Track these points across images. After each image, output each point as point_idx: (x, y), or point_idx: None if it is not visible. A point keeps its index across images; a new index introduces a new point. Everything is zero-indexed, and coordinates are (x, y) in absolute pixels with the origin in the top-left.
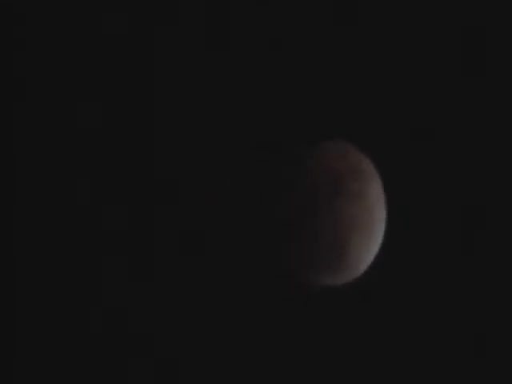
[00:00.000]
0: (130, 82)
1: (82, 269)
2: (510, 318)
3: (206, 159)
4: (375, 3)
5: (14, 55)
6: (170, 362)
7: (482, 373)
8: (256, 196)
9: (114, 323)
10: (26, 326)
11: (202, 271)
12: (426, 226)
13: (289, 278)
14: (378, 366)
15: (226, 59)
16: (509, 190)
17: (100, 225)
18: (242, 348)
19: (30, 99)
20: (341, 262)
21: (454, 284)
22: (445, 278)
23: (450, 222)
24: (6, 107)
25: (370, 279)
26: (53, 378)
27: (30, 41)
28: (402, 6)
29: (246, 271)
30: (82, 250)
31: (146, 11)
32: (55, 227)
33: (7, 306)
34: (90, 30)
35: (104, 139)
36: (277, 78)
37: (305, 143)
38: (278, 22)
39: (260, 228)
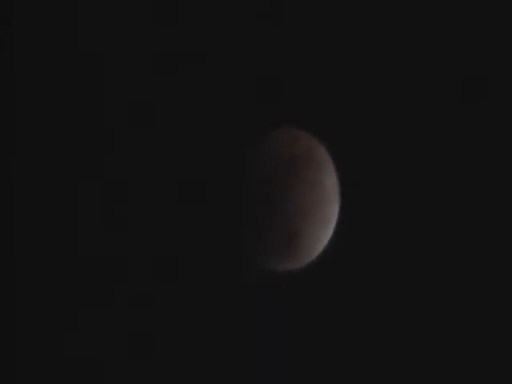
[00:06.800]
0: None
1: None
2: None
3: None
4: None
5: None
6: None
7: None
8: (210, 185)
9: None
10: (25, 325)
11: (164, 262)
12: (378, 214)
13: (244, 264)
14: (334, 347)
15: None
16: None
17: (98, 224)
18: (201, 335)
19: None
20: (294, 249)
21: (405, 272)
22: (396, 268)
23: (404, 211)
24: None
25: (322, 265)
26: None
27: (30, 40)
28: None
29: (202, 259)
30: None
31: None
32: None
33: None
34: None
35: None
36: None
37: (256, 131)
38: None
39: (216, 217)
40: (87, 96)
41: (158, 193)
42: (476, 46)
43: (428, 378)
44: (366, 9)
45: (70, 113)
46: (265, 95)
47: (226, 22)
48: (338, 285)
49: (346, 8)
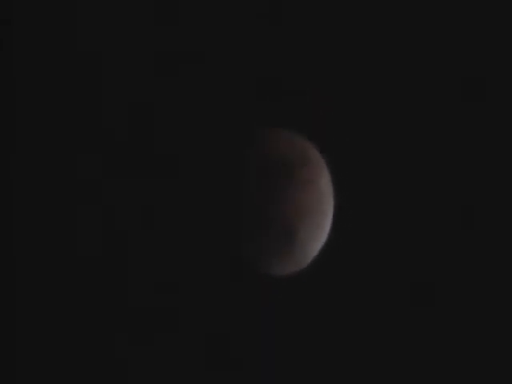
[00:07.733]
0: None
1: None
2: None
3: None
4: None
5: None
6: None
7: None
8: (205, 185)
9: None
10: (25, 325)
11: (156, 259)
12: (371, 216)
13: (239, 266)
14: (334, 349)
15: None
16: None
17: (98, 224)
18: (202, 337)
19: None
20: (290, 250)
21: (400, 276)
22: (389, 269)
23: (396, 213)
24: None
25: (317, 268)
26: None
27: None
28: None
29: (197, 259)
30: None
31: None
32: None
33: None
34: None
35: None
36: (218, 64)
37: (250, 131)
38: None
39: (210, 217)
40: (87, 96)
41: (157, 192)
42: (476, 46)
43: (426, 378)
44: (366, 9)
45: (70, 113)
46: (265, 95)
47: (226, 22)
48: (336, 286)
49: (346, 8)
